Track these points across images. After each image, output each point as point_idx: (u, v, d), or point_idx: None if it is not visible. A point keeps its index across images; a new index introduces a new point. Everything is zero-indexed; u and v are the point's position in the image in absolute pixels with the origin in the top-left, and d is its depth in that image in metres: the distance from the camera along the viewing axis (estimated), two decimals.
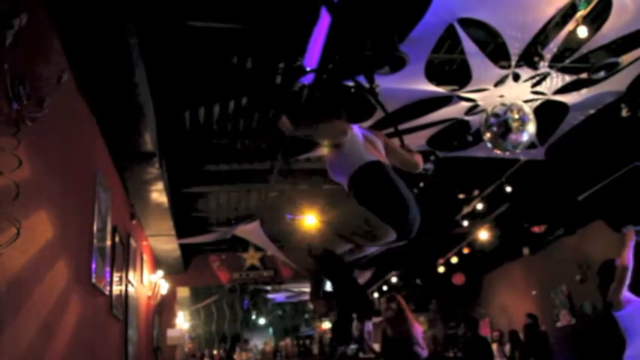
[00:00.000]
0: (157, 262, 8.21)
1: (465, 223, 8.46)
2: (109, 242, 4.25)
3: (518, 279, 10.40)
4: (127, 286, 5.17)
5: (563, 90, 4.85)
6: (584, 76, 4.62)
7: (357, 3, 3.71)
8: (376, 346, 5.55)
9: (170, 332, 8.82)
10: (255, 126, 5.45)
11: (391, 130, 5.16)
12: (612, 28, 3.97)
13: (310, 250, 2.42)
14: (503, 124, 4.64)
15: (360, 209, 2.35)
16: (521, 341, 8.96)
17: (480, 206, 7.84)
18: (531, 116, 4.68)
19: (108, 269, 4.21)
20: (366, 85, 3.96)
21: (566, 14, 3.96)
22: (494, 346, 9.15)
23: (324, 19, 3.73)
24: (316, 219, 7.23)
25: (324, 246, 2.40)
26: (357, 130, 2.58)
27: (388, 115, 3.39)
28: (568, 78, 4.66)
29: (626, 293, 3.90)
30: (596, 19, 4.03)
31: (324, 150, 2.58)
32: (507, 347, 9.22)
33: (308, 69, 4.03)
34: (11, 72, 2.07)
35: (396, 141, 2.98)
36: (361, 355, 7.41)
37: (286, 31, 4.06)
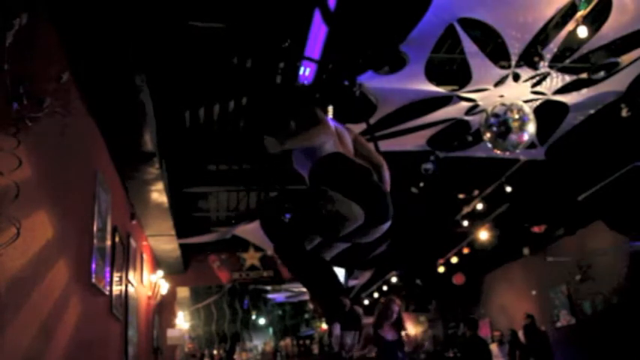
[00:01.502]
0: (157, 262, 8.21)
1: (465, 223, 8.46)
2: (109, 242, 4.24)
3: (518, 279, 10.40)
4: (127, 286, 5.16)
5: (563, 90, 4.85)
6: (584, 76, 4.62)
7: (356, 3, 3.71)
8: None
9: (170, 332, 8.81)
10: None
11: (390, 130, 5.20)
12: (612, 28, 3.97)
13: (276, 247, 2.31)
14: (503, 124, 4.64)
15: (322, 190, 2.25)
16: (520, 341, 8.96)
17: (480, 206, 7.84)
18: (531, 116, 4.68)
19: (108, 269, 4.21)
20: (350, 88, 3.94)
21: (566, 14, 3.97)
22: (495, 346, 9.15)
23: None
24: None
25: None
26: (330, 124, 2.54)
27: (370, 126, 3.38)
28: (568, 78, 4.67)
29: None
30: (596, 19, 4.03)
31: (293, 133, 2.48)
32: (508, 347, 9.22)
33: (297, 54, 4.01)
34: (11, 72, 2.07)
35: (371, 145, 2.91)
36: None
37: (285, 29, 4.05)
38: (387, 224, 2.33)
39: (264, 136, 2.38)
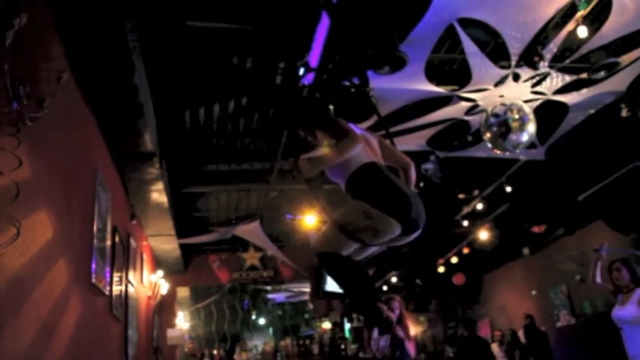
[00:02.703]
0: (157, 262, 8.21)
1: (465, 223, 8.46)
2: (109, 242, 4.24)
3: (518, 279, 10.40)
4: (127, 286, 5.16)
5: (563, 90, 4.85)
6: (584, 76, 4.62)
7: (356, 3, 3.71)
8: None
9: (170, 332, 8.82)
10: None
11: (390, 130, 5.19)
12: (612, 28, 3.97)
13: (316, 255, 2.37)
14: (503, 124, 4.64)
15: (361, 204, 2.33)
16: (520, 341, 8.96)
17: (480, 206, 7.84)
18: (531, 116, 4.68)
19: (108, 269, 4.21)
20: (362, 87, 3.96)
21: (566, 14, 3.97)
22: (496, 346, 9.15)
23: (325, 19, 3.73)
24: (317, 220, 7.25)
25: (328, 248, 2.34)
26: (357, 132, 2.57)
27: (382, 118, 3.42)
28: (568, 78, 4.67)
29: None
30: (596, 19, 4.04)
31: (324, 150, 2.53)
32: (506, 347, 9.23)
33: (311, 67, 4.03)
34: (11, 72, 2.07)
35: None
36: (361, 354, 7.39)
37: (287, 31, 4.06)
38: (419, 231, 2.41)
39: (298, 159, 2.44)
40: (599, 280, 4.39)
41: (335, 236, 2.34)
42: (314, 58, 4.09)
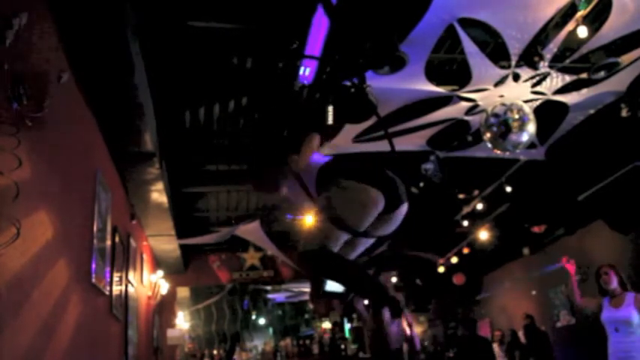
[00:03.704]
0: (157, 262, 8.21)
1: (465, 223, 8.46)
2: (109, 242, 4.24)
3: (518, 279, 10.39)
4: (127, 286, 5.16)
5: (563, 90, 4.85)
6: (584, 76, 4.62)
7: (356, 3, 3.71)
8: None
9: (170, 332, 8.82)
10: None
11: (390, 130, 5.19)
12: (612, 28, 3.97)
13: (303, 253, 2.28)
14: (503, 124, 4.64)
15: (337, 182, 2.31)
16: (520, 341, 8.96)
17: (480, 206, 7.84)
18: (531, 116, 4.68)
19: (108, 269, 4.21)
20: (361, 86, 3.95)
21: (566, 14, 3.97)
22: (497, 346, 9.15)
23: (325, 19, 3.73)
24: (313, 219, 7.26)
25: (315, 243, 2.24)
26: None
27: (381, 119, 3.43)
28: (568, 78, 4.67)
29: None
30: (596, 19, 4.04)
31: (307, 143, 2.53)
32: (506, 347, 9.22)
33: (306, 56, 4.02)
34: (11, 72, 2.07)
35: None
36: (361, 354, 7.39)
37: (283, 21, 4.04)
38: (405, 207, 2.37)
39: (289, 155, 2.44)
40: (579, 300, 4.55)
41: (320, 230, 2.29)
42: (314, 53, 4.08)
